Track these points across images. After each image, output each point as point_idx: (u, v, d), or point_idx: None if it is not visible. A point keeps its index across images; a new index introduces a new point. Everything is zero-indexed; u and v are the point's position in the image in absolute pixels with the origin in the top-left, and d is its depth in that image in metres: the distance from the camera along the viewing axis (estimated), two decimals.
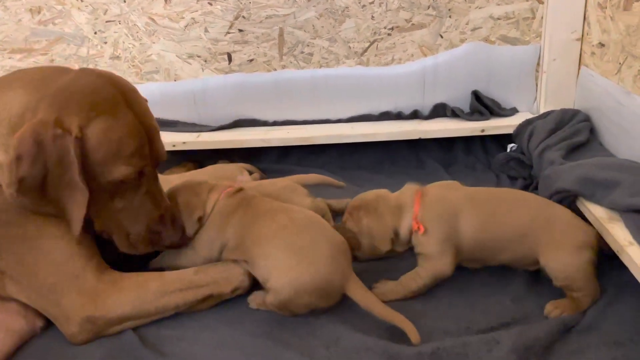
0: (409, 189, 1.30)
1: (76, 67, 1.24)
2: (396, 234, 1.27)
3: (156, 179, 1.21)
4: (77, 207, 1.07)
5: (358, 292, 1.14)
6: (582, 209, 1.39)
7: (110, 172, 1.10)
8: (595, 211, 1.32)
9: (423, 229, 1.23)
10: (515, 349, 1.06)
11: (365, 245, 1.26)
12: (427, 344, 1.10)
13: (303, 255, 1.13)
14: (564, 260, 1.20)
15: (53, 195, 1.08)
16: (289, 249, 1.15)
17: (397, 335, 1.13)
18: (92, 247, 1.20)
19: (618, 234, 1.23)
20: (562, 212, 1.29)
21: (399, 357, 1.07)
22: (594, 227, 1.29)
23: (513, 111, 1.97)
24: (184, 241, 1.24)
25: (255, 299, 1.24)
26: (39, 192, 1.06)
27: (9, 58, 1.95)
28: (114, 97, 1.11)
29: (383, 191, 1.32)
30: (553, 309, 1.19)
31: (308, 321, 1.19)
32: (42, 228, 1.14)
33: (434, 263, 1.24)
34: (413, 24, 1.90)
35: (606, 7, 1.64)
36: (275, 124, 2.02)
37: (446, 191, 1.30)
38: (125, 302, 1.17)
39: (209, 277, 1.23)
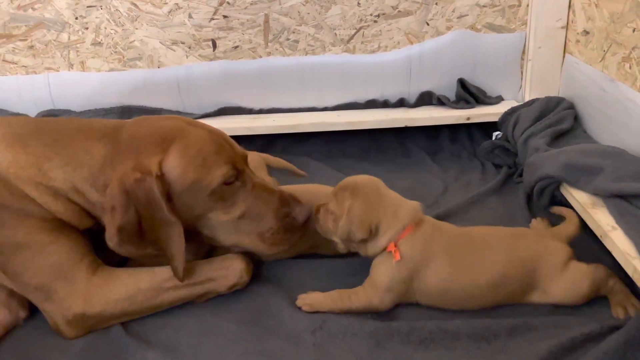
0: (413, 210, 1.18)
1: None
2: (376, 230, 1.16)
3: (252, 172, 1.23)
4: (174, 242, 1.10)
5: None
6: (565, 194, 1.40)
7: (209, 182, 1.12)
8: (579, 197, 1.33)
9: (398, 257, 1.13)
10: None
11: (342, 228, 1.15)
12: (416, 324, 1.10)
13: None
14: (565, 286, 1.16)
15: (151, 237, 1.11)
16: None
17: (383, 318, 1.13)
18: (84, 247, 1.17)
19: (601, 219, 1.24)
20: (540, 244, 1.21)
21: (386, 340, 1.07)
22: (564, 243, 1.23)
23: (498, 99, 1.97)
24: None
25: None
26: (138, 236, 1.11)
27: None
28: (176, 124, 1.16)
29: (379, 181, 1.22)
30: (622, 309, 1.15)
31: (293, 307, 1.18)
32: (32, 234, 1.12)
33: (376, 295, 1.15)
34: (399, 11, 1.89)
35: None
36: (260, 112, 2.00)
37: (434, 235, 1.18)
38: (115, 302, 1.14)
39: (204, 276, 1.19)
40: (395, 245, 1.14)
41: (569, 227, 1.28)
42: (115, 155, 1.13)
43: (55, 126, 1.19)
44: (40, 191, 1.13)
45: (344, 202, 1.16)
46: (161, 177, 1.09)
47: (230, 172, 1.14)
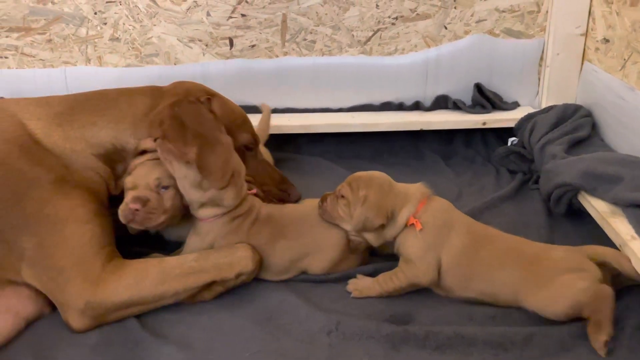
0: (421, 187, 1.27)
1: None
2: (392, 215, 1.22)
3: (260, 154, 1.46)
4: (218, 158, 1.21)
5: None
6: (583, 203, 1.39)
7: (236, 139, 1.33)
8: (597, 205, 1.32)
9: (420, 226, 1.19)
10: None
11: (358, 217, 1.21)
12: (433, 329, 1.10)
13: None
14: (540, 298, 1.12)
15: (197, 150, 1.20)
16: None
17: (399, 322, 1.13)
18: (110, 236, 1.23)
19: (620, 228, 1.23)
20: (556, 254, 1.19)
21: (402, 344, 1.07)
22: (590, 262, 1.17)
23: (514, 105, 1.96)
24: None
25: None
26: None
27: (6, 37, 1.91)
28: (210, 89, 1.39)
29: (388, 176, 1.29)
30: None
31: (309, 306, 1.18)
32: (74, 210, 1.18)
33: (413, 268, 1.20)
34: (418, 14, 1.89)
35: (612, 3, 1.64)
36: (275, 111, 2.00)
37: (451, 208, 1.28)
38: (123, 288, 1.15)
39: (210, 263, 1.21)
40: (415, 218, 1.21)
41: (605, 250, 1.19)
42: (160, 102, 1.29)
43: (93, 95, 1.33)
44: (89, 159, 1.26)
45: (358, 190, 1.22)
46: (208, 107, 1.31)
47: (251, 140, 1.39)
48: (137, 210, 1.20)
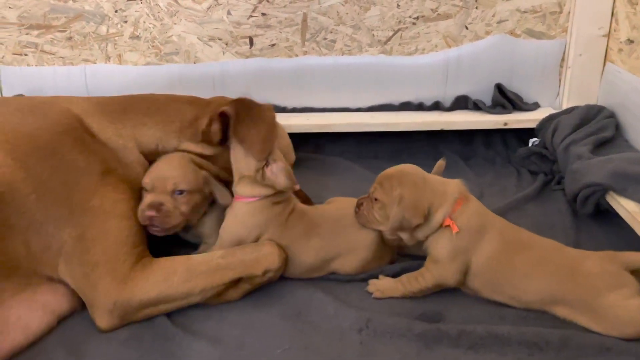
0: (459, 185, 1.23)
1: None
2: (428, 212, 1.18)
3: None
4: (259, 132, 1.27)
5: None
6: (612, 203, 1.38)
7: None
8: (627, 205, 1.31)
9: (457, 228, 1.16)
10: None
11: (394, 217, 1.17)
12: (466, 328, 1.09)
13: None
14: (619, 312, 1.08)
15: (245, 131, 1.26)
16: None
17: (431, 320, 1.12)
18: (143, 235, 1.24)
19: None
20: (590, 263, 1.14)
21: (434, 343, 1.05)
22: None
23: (535, 106, 1.95)
24: None
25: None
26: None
27: (26, 34, 1.91)
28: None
29: (419, 168, 1.26)
30: None
31: (338, 302, 1.17)
32: (117, 204, 1.20)
33: (441, 269, 1.18)
34: (439, 14, 1.88)
35: (637, 4, 1.63)
36: (294, 110, 1.99)
37: (486, 211, 1.24)
38: (151, 286, 1.14)
39: (236, 259, 1.20)
40: (451, 219, 1.17)
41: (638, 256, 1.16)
42: (206, 110, 1.36)
43: (144, 98, 1.40)
44: (138, 156, 1.31)
45: (392, 190, 1.18)
46: None
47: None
48: (153, 216, 1.22)
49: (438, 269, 1.19)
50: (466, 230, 1.18)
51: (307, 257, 1.25)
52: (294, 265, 1.25)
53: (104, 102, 1.35)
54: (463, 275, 1.19)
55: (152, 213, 1.22)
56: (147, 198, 1.25)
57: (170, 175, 1.26)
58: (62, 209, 1.14)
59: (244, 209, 1.25)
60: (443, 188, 1.21)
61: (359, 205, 1.25)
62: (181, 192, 1.27)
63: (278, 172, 1.22)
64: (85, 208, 1.15)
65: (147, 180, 1.27)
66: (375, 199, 1.21)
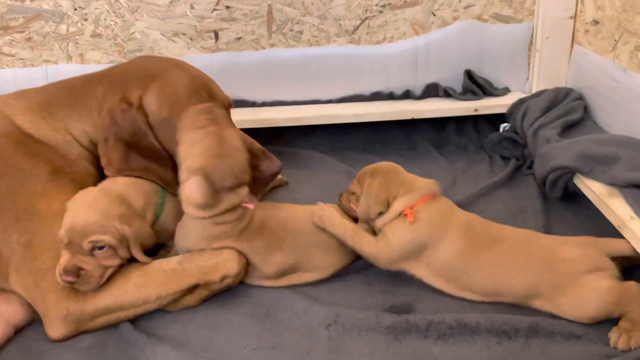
0: (431, 183, 1.24)
1: None
2: (391, 203, 1.20)
3: (230, 122, 1.33)
4: (165, 170, 1.20)
5: None
6: (579, 185, 1.38)
7: (178, 121, 1.19)
8: (594, 187, 1.31)
9: (412, 218, 1.16)
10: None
11: (362, 205, 1.23)
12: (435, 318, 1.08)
13: None
14: (569, 301, 1.08)
15: (141, 165, 1.21)
16: None
17: (399, 312, 1.11)
18: None
19: (618, 209, 1.22)
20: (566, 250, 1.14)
21: (403, 335, 1.04)
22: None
23: (505, 91, 1.94)
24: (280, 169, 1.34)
25: None
26: (126, 163, 1.21)
27: None
28: (162, 65, 1.30)
29: (399, 166, 1.29)
30: (618, 337, 1.04)
31: (306, 301, 1.15)
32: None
33: (387, 250, 1.17)
34: (405, 1, 1.86)
35: None
36: (264, 104, 1.96)
37: (452, 209, 1.23)
38: (105, 293, 1.10)
39: (193, 265, 1.16)
40: (411, 209, 1.17)
41: (620, 244, 1.17)
42: (108, 92, 1.25)
43: (62, 86, 1.31)
44: (79, 150, 1.26)
45: (364, 182, 1.23)
46: (141, 109, 1.21)
47: (207, 106, 1.23)
48: (73, 281, 1.06)
49: (384, 248, 1.18)
50: (425, 224, 1.17)
51: (269, 269, 1.21)
52: (254, 275, 1.22)
53: (29, 95, 1.29)
54: (397, 267, 1.19)
55: (69, 279, 1.05)
56: (63, 258, 1.07)
57: (85, 226, 1.06)
58: (8, 215, 1.10)
59: (190, 224, 1.18)
60: (413, 183, 1.23)
61: (339, 197, 1.31)
62: (102, 247, 1.08)
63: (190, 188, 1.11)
64: (31, 213, 1.11)
65: (62, 233, 1.07)
66: (352, 193, 1.27)
